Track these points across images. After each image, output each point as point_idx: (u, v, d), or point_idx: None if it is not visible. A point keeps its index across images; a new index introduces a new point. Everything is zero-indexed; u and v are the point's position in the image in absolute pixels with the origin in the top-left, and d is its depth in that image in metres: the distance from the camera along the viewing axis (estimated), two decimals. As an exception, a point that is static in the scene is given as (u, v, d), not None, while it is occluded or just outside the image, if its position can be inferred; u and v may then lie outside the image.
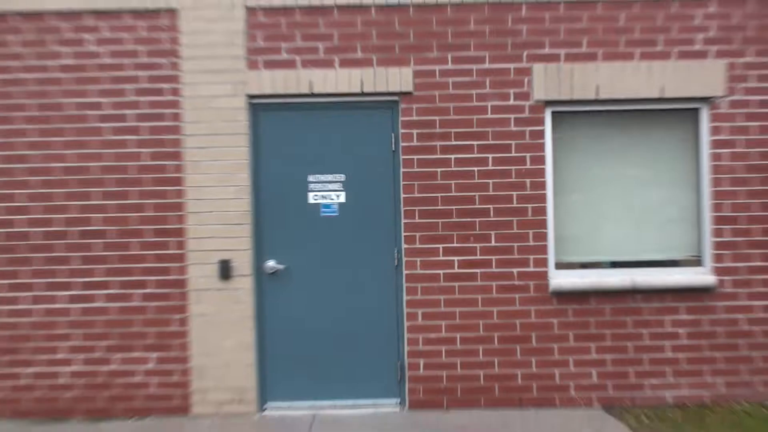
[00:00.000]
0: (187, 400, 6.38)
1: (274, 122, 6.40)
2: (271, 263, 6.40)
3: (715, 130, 6.41)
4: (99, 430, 6.09)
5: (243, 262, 6.34)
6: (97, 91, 6.31)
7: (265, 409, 6.46)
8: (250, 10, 6.33)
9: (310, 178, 6.42)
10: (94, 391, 6.37)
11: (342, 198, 6.43)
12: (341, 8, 6.35)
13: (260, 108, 6.40)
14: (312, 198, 6.43)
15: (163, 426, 6.15)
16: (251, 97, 6.37)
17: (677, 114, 6.51)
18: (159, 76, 6.33)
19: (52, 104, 6.30)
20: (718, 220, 6.41)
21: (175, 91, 6.34)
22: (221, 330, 6.36)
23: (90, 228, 6.34)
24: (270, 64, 6.34)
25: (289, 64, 6.35)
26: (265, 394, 6.47)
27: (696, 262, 6.52)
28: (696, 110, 6.48)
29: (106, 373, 6.38)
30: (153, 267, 6.35)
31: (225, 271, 6.32)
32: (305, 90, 6.33)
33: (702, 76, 6.35)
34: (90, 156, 6.32)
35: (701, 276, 6.42)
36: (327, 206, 6.43)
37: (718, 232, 6.42)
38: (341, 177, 6.42)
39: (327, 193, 6.42)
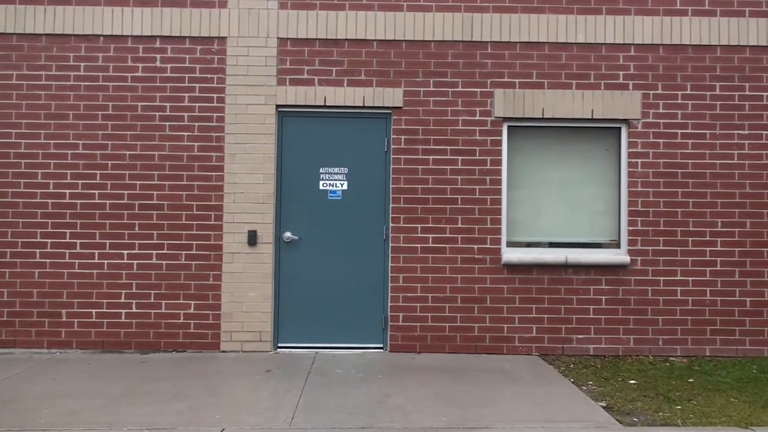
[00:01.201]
0: (217, 339, 8.18)
1: (296, 126, 8.32)
2: (288, 234, 8.27)
3: (632, 144, 8.32)
4: (148, 359, 7.89)
5: (267, 233, 8.21)
6: (161, 97, 8.26)
7: (279, 348, 8.27)
8: (281, 41, 8.30)
9: (321, 169, 8.33)
10: (146, 329, 8.19)
11: (345, 186, 8.32)
12: (350, 41, 8.31)
13: (285, 115, 8.34)
14: (322, 185, 8.33)
15: (198, 358, 7.95)
16: (279, 106, 8.31)
17: (604, 131, 8.44)
18: (209, 88, 8.27)
19: (127, 106, 8.24)
20: (633, 213, 8.29)
21: (220, 100, 8.28)
22: (247, 285, 8.19)
23: (149, 202, 8.23)
24: (294, 82, 8.30)
25: (309, 83, 8.30)
26: (278, 337, 8.29)
27: (615, 245, 8.39)
28: (618, 128, 8.40)
29: (155, 315, 8.20)
30: (196, 234, 8.22)
31: (252, 239, 8.19)
32: (320, 102, 8.26)
33: (623, 103, 8.30)
34: (153, 146, 8.23)
35: (618, 256, 8.29)
36: (333, 192, 8.32)
37: (632, 222, 8.29)
38: (345, 170, 8.32)
39: (333, 181, 8.32)
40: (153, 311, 8.19)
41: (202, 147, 8.25)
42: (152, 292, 8.20)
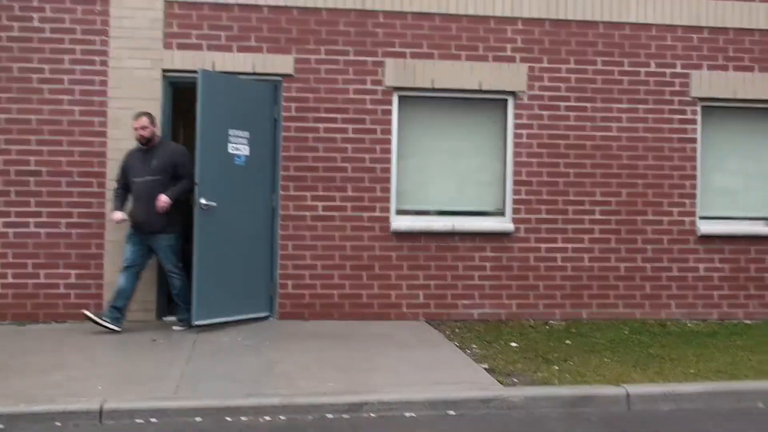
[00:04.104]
0: (100, 309, 7.87)
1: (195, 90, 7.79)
2: (202, 200, 7.59)
3: (517, 116, 8.54)
4: (27, 331, 7.60)
5: (152, 200, 8.00)
6: (39, 59, 7.90)
7: (165, 317, 8.11)
8: (168, 3, 8.05)
9: (230, 131, 7.91)
10: (23, 299, 7.87)
11: (247, 151, 8.06)
12: (240, 6, 8.14)
13: (173, 79, 8.10)
14: (230, 149, 7.92)
15: (80, 329, 7.68)
16: (165, 71, 8.07)
17: (491, 102, 8.63)
18: (91, 50, 7.97)
19: (2, 67, 7.83)
20: (517, 183, 8.54)
21: (103, 63, 7.98)
22: (132, 253, 7.98)
23: (26, 168, 7.87)
24: (182, 46, 8.08)
25: (197, 47, 8.10)
26: (163, 306, 8.13)
27: (500, 213, 8.62)
28: (505, 100, 8.60)
29: (33, 285, 7.89)
30: (77, 201, 7.93)
31: (137, 206, 7.95)
32: (209, 68, 8.05)
33: (510, 75, 8.49)
34: (30, 110, 7.87)
35: (503, 224, 8.53)
36: (238, 157, 7.98)
37: (517, 192, 8.53)
38: (247, 134, 8.05)
39: (239, 145, 7.97)
40: (31, 281, 7.89)
41: (84, 111, 7.95)
42: (30, 261, 7.89)
